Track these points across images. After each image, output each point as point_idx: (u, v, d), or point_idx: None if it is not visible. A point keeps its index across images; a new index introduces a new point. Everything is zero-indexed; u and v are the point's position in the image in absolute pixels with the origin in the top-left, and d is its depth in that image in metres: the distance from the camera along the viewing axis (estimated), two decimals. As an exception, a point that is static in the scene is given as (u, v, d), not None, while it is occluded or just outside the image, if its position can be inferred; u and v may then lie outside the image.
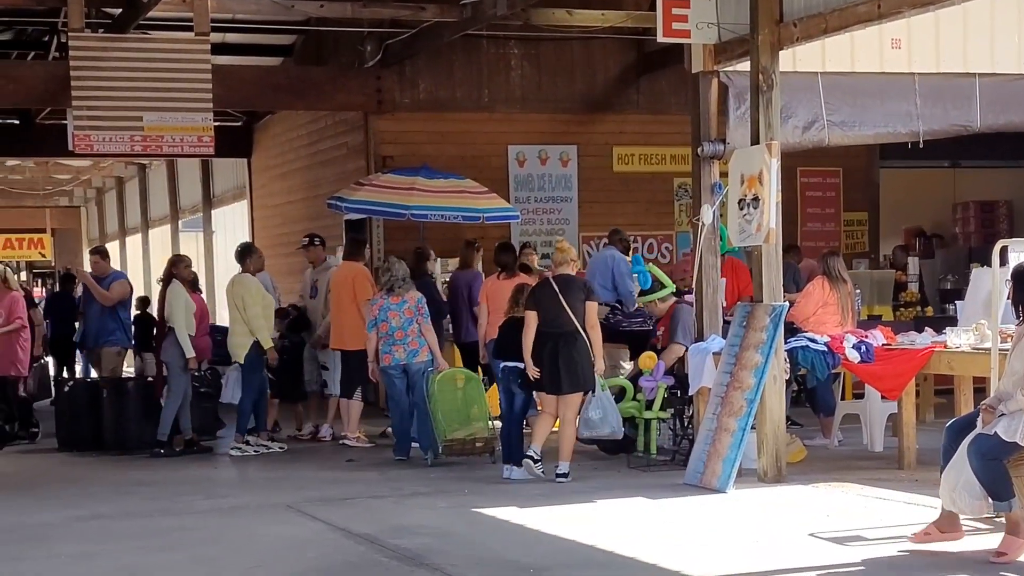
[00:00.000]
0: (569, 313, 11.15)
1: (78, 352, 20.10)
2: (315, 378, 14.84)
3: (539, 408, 11.66)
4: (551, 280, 11.40)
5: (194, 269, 15.51)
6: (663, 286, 12.52)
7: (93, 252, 16.44)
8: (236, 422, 14.04)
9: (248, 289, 13.88)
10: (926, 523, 8.51)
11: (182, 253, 15.68)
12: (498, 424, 12.44)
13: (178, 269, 14.22)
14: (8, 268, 15.52)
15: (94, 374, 17.37)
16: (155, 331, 14.64)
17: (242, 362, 13.86)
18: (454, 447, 12.51)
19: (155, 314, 15.17)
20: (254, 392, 13.88)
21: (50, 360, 20.05)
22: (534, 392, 11.49)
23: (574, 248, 11.85)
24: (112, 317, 15.49)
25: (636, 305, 13.82)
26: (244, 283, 13.98)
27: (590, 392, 11.21)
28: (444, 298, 15.36)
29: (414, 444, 12.98)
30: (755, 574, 7.78)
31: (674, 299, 12.55)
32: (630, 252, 15.66)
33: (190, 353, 13.75)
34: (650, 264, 13.10)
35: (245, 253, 14.34)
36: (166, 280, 14.22)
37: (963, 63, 12.59)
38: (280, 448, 14.05)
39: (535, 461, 11.24)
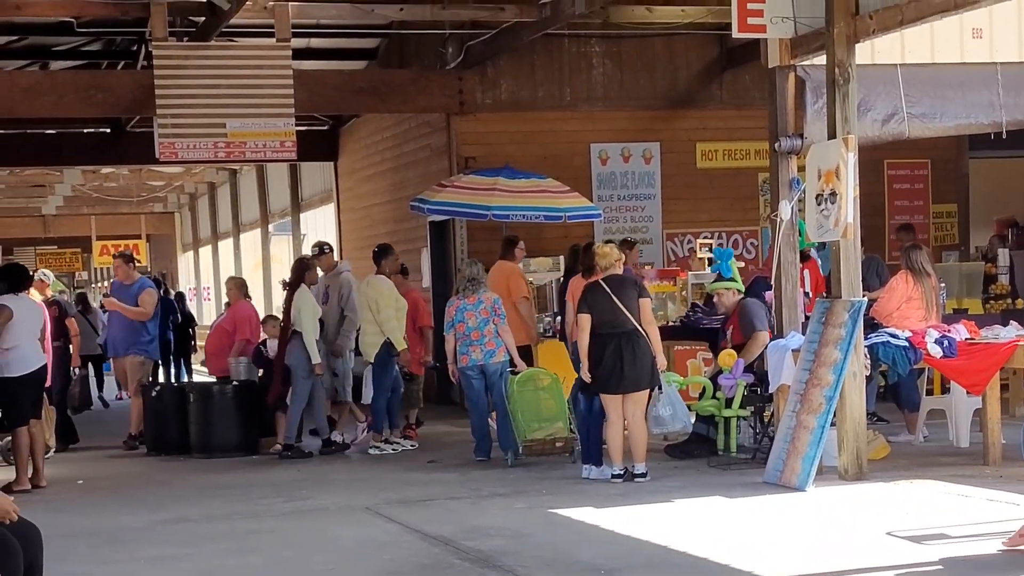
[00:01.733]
0: (625, 312, 11.14)
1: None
2: (330, 385, 14.60)
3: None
4: (601, 282, 11.39)
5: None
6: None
7: (117, 257, 16.42)
8: (371, 422, 14.29)
9: (381, 291, 13.98)
10: (1009, 520, 8.38)
11: (305, 255, 15.62)
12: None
13: (307, 273, 14.45)
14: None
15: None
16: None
17: (373, 361, 14.01)
18: (534, 447, 12.54)
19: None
20: (386, 391, 14.02)
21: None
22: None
23: (615, 248, 11.75)
24: (137, 326, 15.53)
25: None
26: (377, 284, 14.12)
27: (657, 389, 11.18)
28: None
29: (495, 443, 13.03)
30: (830, 574, 7.71)
31: (739, 295, 12.49)
32: None
33: (316, 359, 13.97)
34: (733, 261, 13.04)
35: (381, 254, 14.45)
36: (294, 284, 14.39)
37: (1046, 52, 12.40)
38: (412, 446, 14.17)
39: (622, 478, 11.22)
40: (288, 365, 14.06)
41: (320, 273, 14.91)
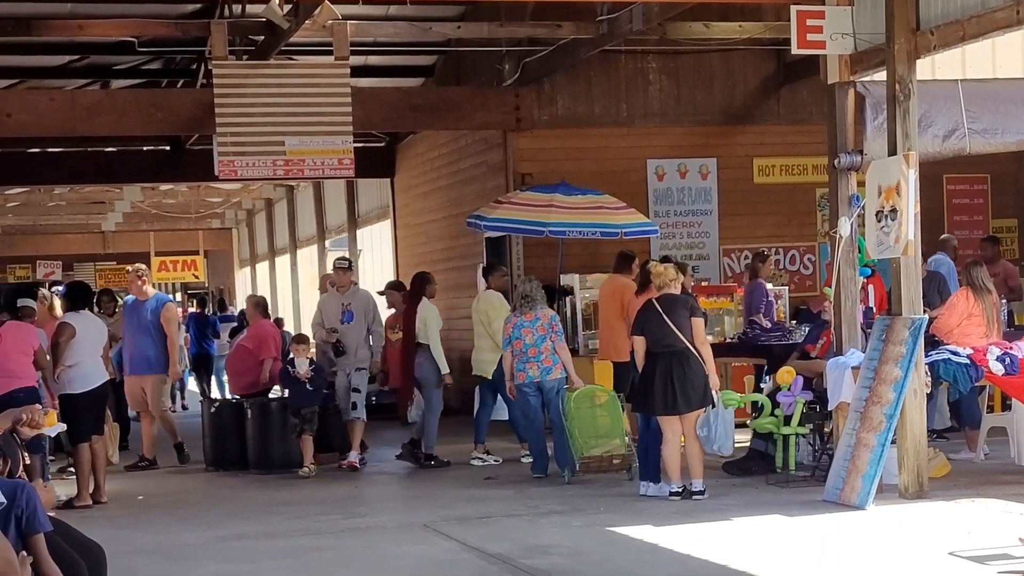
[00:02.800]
0: (676, 332, 11.13)
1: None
2: (348, 405, 14.46)
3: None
4: (654, 302, 11.40)
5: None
6: None
7: (130, 272, 15.86)
8: (475, 433, 14.44)
9: (492, 305, 14.37)
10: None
11: (425, 271, 15.74)
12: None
13: (428, 287, 14.65)
14: (54, 294, 15.60)
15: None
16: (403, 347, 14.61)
17: (490, 378, 14.15)
18: (591, 464, 12.53)
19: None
20: (492, 405, 14.33)
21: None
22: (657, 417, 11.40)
23: (672, 267, 11.76)
24: (154, 343, 15.14)
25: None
26: (489, 300, 14.51)
27: (708, 407, 11.19)
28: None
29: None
30: (891, 594, 7.66)
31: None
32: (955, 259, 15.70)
33: (445, 369, 14.13)
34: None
35: (488, 271, 14.93)
36: (415, 297, 14.54)
37: (1109, 65, 12.29)
38: (496, 461, 14.16)
39: (680, 495, 11.20)
40: (418, 377, 14.24)
41: (332, 290, 14.94)
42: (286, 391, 14.57)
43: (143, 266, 16.15)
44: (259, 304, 16.15)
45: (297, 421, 14.11)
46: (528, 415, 13.15)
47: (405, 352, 14.41)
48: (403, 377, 14.37)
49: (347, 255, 16.03)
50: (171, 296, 16.99)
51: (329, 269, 29.89)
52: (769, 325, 14.78)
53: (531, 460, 13.29)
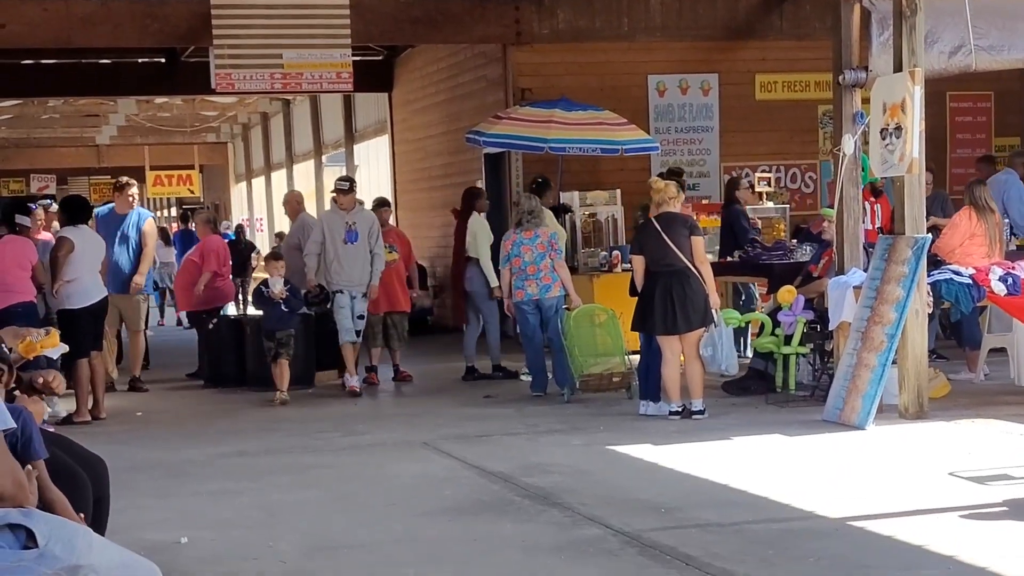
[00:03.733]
0: (675, 251, 11.09)
1: None
2: (351, 325, 13.98)
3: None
4: (653, 220, 11.34)
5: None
6: None
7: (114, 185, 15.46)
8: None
9: (553, 222, 14.32)
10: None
11: (476, 186, 15.77)
12: (635, 359, 12.45)
13: (477, 201, 14.71)
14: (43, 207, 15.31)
15: None
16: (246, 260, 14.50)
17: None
18: (591, 383, 12.56)
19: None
20: None
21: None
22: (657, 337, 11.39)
23: (673, 185, 11.58)
24: (132, 261, 14.47)
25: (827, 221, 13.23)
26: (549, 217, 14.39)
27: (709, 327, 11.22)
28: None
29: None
30: (891, 514, 7.67)
31: None
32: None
33: (495, 282, 14.14)
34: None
35: (543, 187, 14.93)
36: (465, 212, 14.59)
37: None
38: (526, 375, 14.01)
39: (680, 415, 11.23)
40: (469, 291, 14.39)
41: (332, 210, 14.40)
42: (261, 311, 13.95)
43: (124, 179, 15.45)
44: (208, 220, 16.09)
45: (272, 345, 13.47)
46: (526, 333, 13.17)
47: (456, 267, 14.64)
48: (454, 292, 14.39)
49: (347, 174, 15.70)
50: (151, 212, 16.67)
51: (327, 185, 29.89)
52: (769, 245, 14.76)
53: (530, 378, 13.32)
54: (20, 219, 13.24)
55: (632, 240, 11.61)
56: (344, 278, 13.92)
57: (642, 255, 11.33)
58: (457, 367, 14.79)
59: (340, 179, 14.67)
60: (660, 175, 14.59)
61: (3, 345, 5.80)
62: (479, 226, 14.49)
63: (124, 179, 15.19)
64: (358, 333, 14.03)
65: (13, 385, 5.80)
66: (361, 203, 15.03)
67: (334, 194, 14.38)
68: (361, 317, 14.07)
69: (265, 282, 13.70)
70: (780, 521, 7.56)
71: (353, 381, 13.91)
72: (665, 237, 11.14)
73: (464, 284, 14.50)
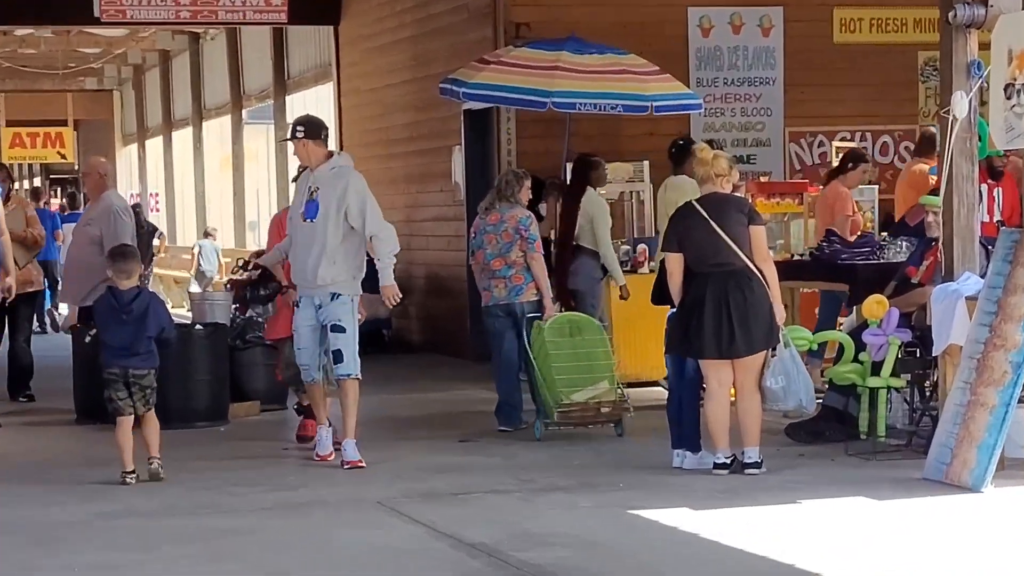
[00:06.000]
0: (731, 244, 11.07)
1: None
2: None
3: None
4: (696, 204, 11.29)
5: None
6: None
7: None
8: None
9: (688, 194, 13.22)
10: None
11: (590, 154, 15.69)
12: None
13: (592, 173, 14.92)
14: None
15: None
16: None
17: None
18: (572, 414, 12.76)
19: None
20: None
21: None
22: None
23: (724, 157, 11.48)
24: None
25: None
26: (683, 187, 14.27)
27: (772, 351, 11.19)
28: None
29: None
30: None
31: None
32: None
33: (622, 280, 14.53)
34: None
35: (681, 152, 14.95)
36: (576, 188, 14.80)
37: None
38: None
39: (728, 468, 11.22)
40: (573, 289, 14.56)
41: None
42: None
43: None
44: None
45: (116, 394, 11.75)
46: (496, 347, 13.30)
47: (561, 257, 14.75)
48: (560, 293, 14.48)
49: (309, 115, 13.91)
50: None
51: (249, 150, 29.86)
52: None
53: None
54: None
55: (666, 231, 11.56)
56: (297, 276, 12.37)
57: (681, 252, 11.30)
58: (425, 399, 14.82)
59: (295, 121, 13.36)
60: (708, 143, 14.63)
61: None
62: (596, 206, 14.60)
63: None
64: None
65: None
66: (337, 154, 13.13)
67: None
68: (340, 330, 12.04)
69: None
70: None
71: (327, 441, 12.39)
72: (716, 226, 11.12)
73: (567, 281, 14.57)
